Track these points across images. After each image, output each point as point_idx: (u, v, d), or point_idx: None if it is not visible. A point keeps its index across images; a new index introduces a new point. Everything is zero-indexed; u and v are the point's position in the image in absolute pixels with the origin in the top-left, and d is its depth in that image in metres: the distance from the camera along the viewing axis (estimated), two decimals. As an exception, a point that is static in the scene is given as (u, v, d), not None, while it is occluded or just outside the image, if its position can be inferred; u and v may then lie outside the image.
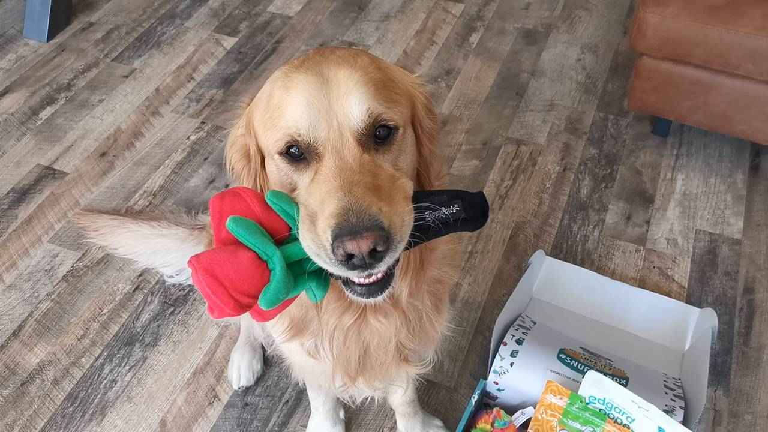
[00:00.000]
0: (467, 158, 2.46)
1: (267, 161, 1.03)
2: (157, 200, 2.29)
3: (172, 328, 1.93)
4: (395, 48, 2.91)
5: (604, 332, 1.89)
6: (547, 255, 2.08)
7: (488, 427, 1.57)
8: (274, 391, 1.80)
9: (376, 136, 0.96)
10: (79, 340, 1.90)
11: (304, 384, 1.63)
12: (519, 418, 1.62)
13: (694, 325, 1.88)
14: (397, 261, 0.95)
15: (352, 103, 0.93)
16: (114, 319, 1.95)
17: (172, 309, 1.98)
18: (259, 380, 1.81)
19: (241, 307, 0.92)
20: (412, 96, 1.05)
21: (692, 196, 2.30)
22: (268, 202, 0.95)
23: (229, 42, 2.95)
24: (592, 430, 1.53)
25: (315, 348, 1.20)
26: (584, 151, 2.48)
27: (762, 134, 2.14)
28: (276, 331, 1.19)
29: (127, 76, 2.75)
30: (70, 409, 1.76)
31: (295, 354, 1.27)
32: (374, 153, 0.95)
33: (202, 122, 2.58)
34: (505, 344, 1.68)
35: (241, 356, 1.80)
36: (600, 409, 1.52)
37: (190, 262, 0.91)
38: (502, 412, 1.59)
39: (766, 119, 2.09)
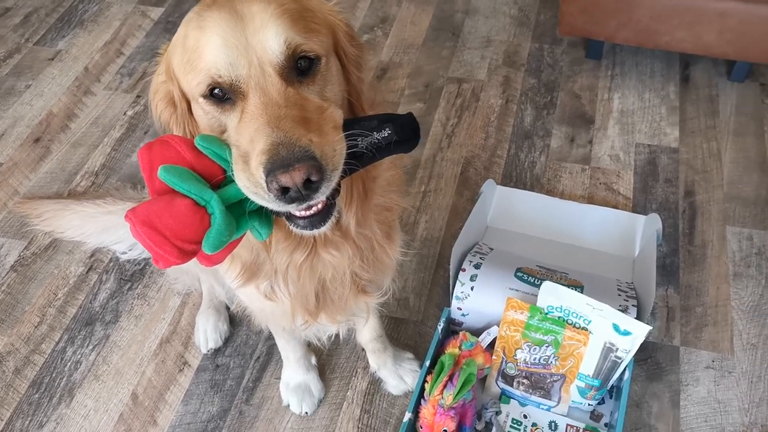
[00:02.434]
0: (411, 101, 2.46)
1: (193, 106, 1.01)
2: (100, 179, 2.24)
3: (132, 302, 1.91)
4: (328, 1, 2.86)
5: (558, 249, 1.95)
6: (498, 184, 2.11)
7: (456, 350, 1.61)
8: (244, 349, 1.81)
9: (299, 68, 0.94)
10: (36, 327, 1.87)
11: (269, 331, 1.64)
12: (485, 338, 1.67)
13: (641, 231, 1.95)
14: (338, 191, 0.96)
15: (270, 37, 0.91)
16: (70, 302, 1.91)
17: (129, 284, 1.95)
18: (227, 341, 1.81)
19: (185, 254, 0.91)
20: (332, 24, 1.04)
21: (629, 113, 2.36)
22: (199, 147, 0.93)
23: (156, 12, 2.86)
24: (553, 338, 1.58)
25: (271, 290, 1.20)
26: (524, 82, 2.51)
27: (686, 43, 2.20)
28: (229, 277, 1.18)
29: (52, 59, 2.65)
30: (36, 395, 1.74)
31: (253, 299, 1.27)
32: (299, 86, 0.94)
33: (138, 96, 2.51)
34: (464, 270, 1.72)
35: (206, 320, 1.80)
36: (559, 317, 1.57)
37: (126, 216, 0.89)
38: (468, 334, 1.63)
39: (688, 28, 2.14)
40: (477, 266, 1.73)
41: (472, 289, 1.69)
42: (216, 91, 0.93)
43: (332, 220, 0.97)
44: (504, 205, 2.06)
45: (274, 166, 0.85)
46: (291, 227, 0.98)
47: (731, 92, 2.40)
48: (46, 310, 1.90)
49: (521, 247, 1.94)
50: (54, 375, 1.77)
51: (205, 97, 0.94)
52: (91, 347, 1.82)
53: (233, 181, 0.92)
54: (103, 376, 1.77)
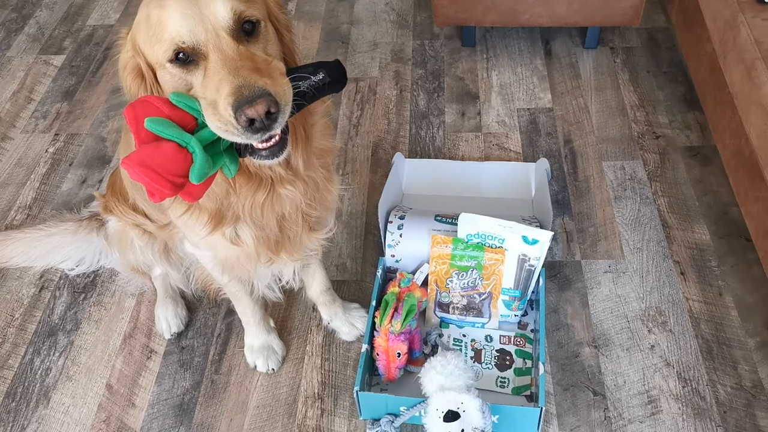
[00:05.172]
0: (316, 104, 2.71)
1: (160, 73, 1.20)
2: (34, 211, 2.32)
3: (90, 310, 2.02)
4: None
5: (468, 203, 2.24)
6: (406, 158, 2.39)
7: (396, 288, 1.84)
8: (205, 330, 1.96)
9: (244, 30, 1.17)
10: (-2, 348, 1.94)
11: (227, 309, 1.79)
12: (419, 277, 1.91)
13: (534, 175, 2.28)
14: (287, 129, 1.19)
15: (218, 8, 1.14)
16: (29, 320, 1.99)
17: (83, 295, 2.05)
18: (188, 326, 1.96)
19: (176, 187, 1.11)
20: None
21: (507, 86, 2.73)
22: (173, 102, 1.14)
23: (59, 60, 2.98)
24: (476, 262, 1.85)
25: (236, 235, 1.40)
26: (412, 73, 2.83)
27: (543, 17, 2.60)
28: (198, 227, 1.36)
29: (-40, 113, 2.71)
30: (13, 404, 1.80)
31: (220, 248, 1.46)
32: (247, 44, 1.17)
33: (56, 134, 2.62)
34: (391, 222, 1.97)
35: (165, 308, 1.93)
36: (478, 242, 1.85)
37: (123, 163, 1.08)
38: (404, 272, 1.87)
39: (542, 4, 2.55)
40: (401, 218, 1.98)
41: (400, 236, 1.94)
42: (180, 55, 1.14)
43: (287, 150, 1.19)
44: (415, 174, 2.34)
45: (241, 103, 1.06)
46: (254, 160, 1.19)
47: (588, 57, 2.82)
48: (6, 330, 1.96)
49: (436, 206, 2.22)
50: (26, 384, 1.84)
51: (171, 61, 1.15)
52: (57, 354, 1.91)
53: (205, 126, 1.13)
54: (75, 375, 1.86)
